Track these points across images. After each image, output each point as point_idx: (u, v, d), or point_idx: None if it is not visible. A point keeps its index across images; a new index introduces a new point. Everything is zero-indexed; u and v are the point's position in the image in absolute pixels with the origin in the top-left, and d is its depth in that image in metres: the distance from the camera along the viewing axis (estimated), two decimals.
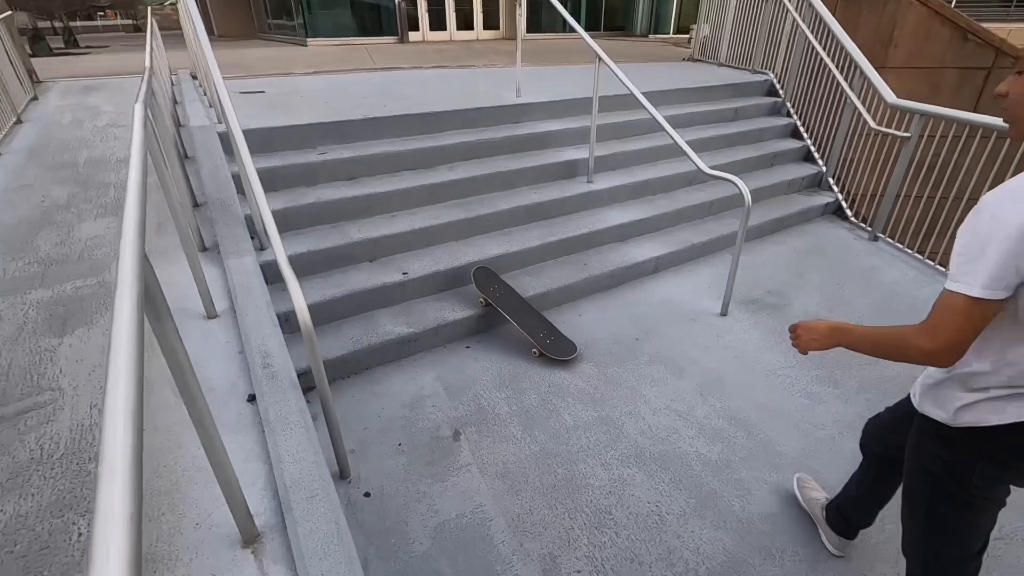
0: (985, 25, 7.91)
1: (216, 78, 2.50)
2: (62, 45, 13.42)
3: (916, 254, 3.74)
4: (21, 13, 14.49)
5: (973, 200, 3.05)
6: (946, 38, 6.86)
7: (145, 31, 4.57)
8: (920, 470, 1.22)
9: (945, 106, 3.63)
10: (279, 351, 1.98)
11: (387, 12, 13.74)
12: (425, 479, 2.04)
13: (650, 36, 19.56)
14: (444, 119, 3.69)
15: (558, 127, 3.97)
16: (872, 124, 3.94)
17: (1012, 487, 1.14)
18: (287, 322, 2.44)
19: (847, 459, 2.12)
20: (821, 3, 4.75)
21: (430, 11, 14.36)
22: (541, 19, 14.52)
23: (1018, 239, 0.87)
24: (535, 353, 2.70)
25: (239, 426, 1.70)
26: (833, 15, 4.91)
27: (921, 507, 1.23)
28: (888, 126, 3.91)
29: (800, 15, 5.01)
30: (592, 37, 3.47)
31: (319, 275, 2.78)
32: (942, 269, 3.53)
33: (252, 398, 1.79)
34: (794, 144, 4.90)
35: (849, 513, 1.69)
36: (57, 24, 18.46)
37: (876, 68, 4.48)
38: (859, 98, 4.21)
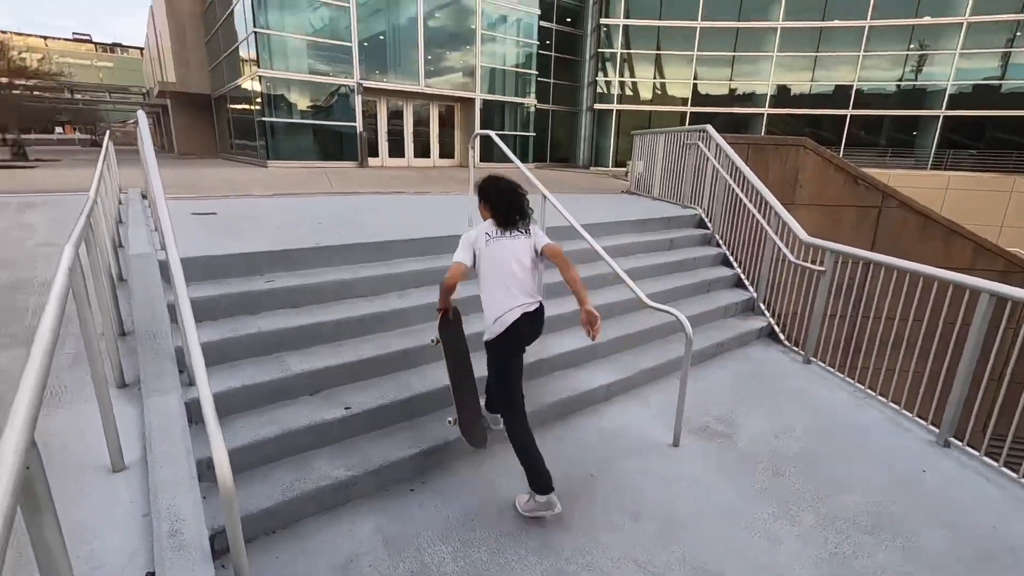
0: (869, 170, 9.32)
1: (160, 204, 2.48)
2: (8, 157, 13.27)
3: (847, 378, 3.94)
4: None
5: (890, 319, 3.28)
6: (840, 182, 7.99)
7: (102, 144, 4.56)
8: (490, 360, 2.57)
9: (848, 238, 4.13)
10: (192, 512, 1.74)
11: (348, 138, 14.63)
12: None
13: (591, 168, 21.75)
14: (397, 247, 3.79)
15: None
16: (792, 259, 4.36)
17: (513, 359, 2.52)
18: (208, 469, 2.19)
19: None
20: (736, 155, 5.46)
21: (390, 140, 15.45)
22: (493, 149, 15.89)
23: (469, 243, 2.48)
24: (450, 422, 2.57)
25: None
26: (746, 161, 5.66)
27: (493, 371, 2.58)
28: (805, 259, 4.33)
29: (719, 161, 5.73)
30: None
31: (254, 411, 2.57)
32: (872, 393, 3.72)
33: None
34: (726, 272, 5.31)
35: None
36: (8, 136, 18.43)
37: (787, 204, 5.08)
38: (777, 234, 4.69)
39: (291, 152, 13.74)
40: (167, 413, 2.17)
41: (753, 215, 5.03)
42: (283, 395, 2.68)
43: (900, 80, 21.61)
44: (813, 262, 4.23)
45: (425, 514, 2.42)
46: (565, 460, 2.84)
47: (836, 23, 21.28)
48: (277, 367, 2.73)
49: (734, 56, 22.19)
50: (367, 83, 14.31)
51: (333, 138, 14.46)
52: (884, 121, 22.11)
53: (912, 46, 21.01)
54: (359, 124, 14.38)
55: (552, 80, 22.75)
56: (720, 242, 5.72)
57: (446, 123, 16.87)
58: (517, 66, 18.05)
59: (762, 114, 22.50)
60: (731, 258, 5.52)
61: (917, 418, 3.39)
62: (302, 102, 14.08)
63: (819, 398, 3.68)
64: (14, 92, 17.52)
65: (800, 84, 22.37)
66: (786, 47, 21.72)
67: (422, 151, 16.25)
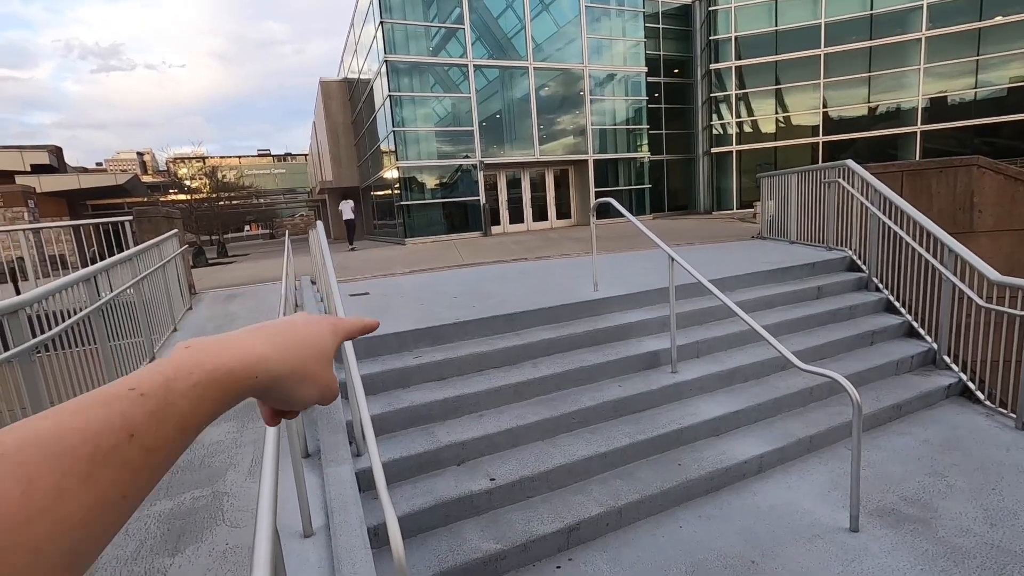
0: None
1: (336, 301, 2.93)
2: (215, 255, 16.56)
3: None
4: (189, 233, 18.41)
5: None
6: None
7: (277, 237, 5.64)
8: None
9: None
10: None
11: (473, 210, 15.83)
12: None
13: (713, 213, 20.79)
14: (527, 318, 3.96)
15: (637, 318, 4.10)
16: (979, 302, 3.71)
17: None
18: (376, 536, 2.41)
19: None
20: (887, 188, 4.91)
21: (510, 207, 16.41)
22: (610, 208, 16.04)
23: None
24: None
25: None
26: (901, 189, 5.03)
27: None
28: (1000, 301, 3.65)
29: (866, 197, 5.18)
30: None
31: (409, 481, 2.80)
32: None
33: None
34: (892, 320, 4.64)
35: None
36: (214, 237, 22.95)
37: (965, 233, 4.37)
38: (955, 274, 4.03)
39: (424, 228, 15.25)
40: (342, 483, 2.46)
41: (919, 253, 4.40)
42: (433, 465, 2.88)
43: None
44: (1011, 304, 3.55)
45: None
46: (718, 542, 2.62)
47: (999, 20, 18.52)
48: (428, 439, 2.96)
49: (869, 77, 20.23)
50: (488, 160, 15.57)
51: (459, 212, 15.79)
52: None
53: None
54: (482, 197, 15.56)
55: (664, 131, 22.68)
56: (879, 286, 5.05)
57: (561, 185, 17.55)
58: (628, 122, 18.39)
59: (914, 132, 19.90)
60: (896, 303, 4.83)
61: None
62: (431, 182, 15.72)
63: None
64: (220, 203, 22.13)
65: (960, 92, 19.52)
66: (936, 56, 19.30)
67: (540, 215, 16.98)
